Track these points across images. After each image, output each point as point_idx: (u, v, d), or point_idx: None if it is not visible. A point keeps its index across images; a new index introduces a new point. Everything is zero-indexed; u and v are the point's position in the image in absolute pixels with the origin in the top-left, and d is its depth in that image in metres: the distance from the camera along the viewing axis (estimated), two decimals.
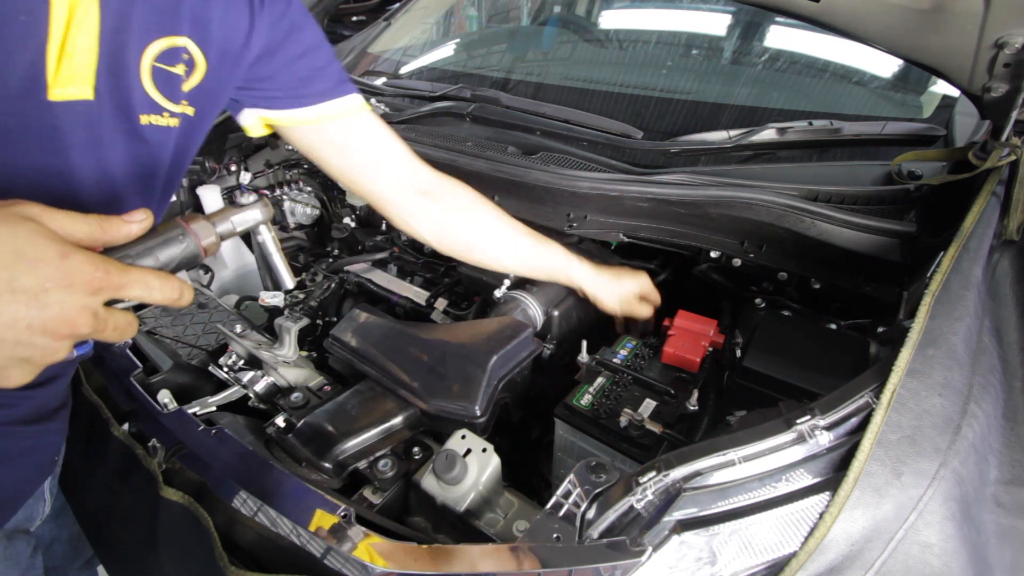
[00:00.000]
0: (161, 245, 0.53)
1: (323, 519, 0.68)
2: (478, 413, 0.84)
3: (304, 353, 1.08)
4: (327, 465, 0.80)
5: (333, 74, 0.80)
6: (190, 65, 0.67)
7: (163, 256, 0.52)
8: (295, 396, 0.93)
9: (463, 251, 0.99)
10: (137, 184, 0.68)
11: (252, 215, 0.63)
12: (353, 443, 0.82)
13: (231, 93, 0.76)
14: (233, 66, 0.72)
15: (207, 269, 1.49)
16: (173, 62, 0.64)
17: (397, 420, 0.85)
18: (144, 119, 0.65)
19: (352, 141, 0.85)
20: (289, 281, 0.72)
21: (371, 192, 0.91)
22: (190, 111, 0.70)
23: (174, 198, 1.45)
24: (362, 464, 0.82)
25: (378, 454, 0.83)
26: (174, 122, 0.68)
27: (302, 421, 0.84)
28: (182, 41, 0.64)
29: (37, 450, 0.77)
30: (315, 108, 0.80)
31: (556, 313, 1.04)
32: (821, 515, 0.54)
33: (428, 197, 0.93)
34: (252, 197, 0.64)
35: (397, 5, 1.99)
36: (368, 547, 0.63)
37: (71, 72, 0.57)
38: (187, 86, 0.68)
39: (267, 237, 0.67)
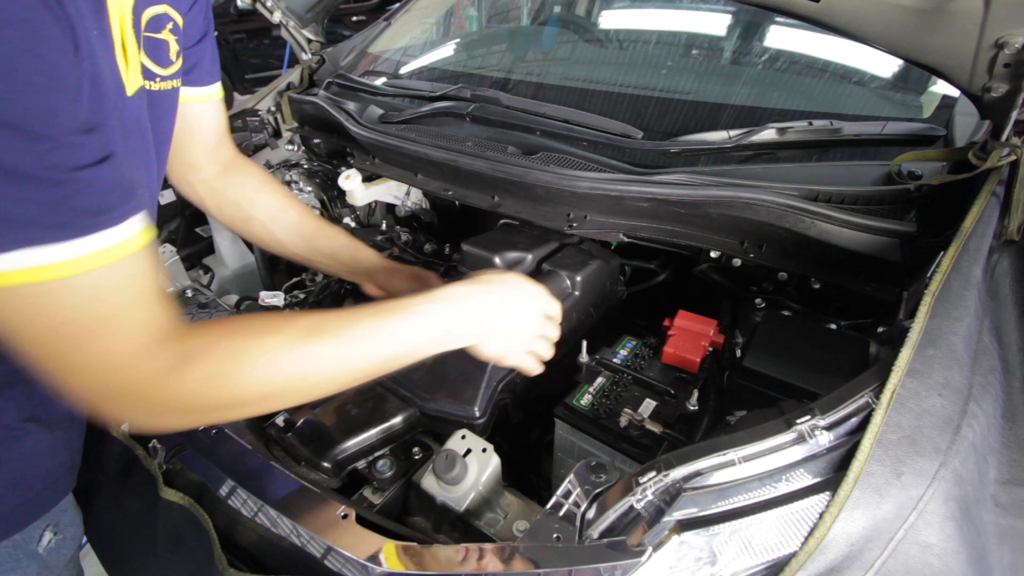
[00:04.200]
0: None
1: (323, 519, 0.68)
2: (477, 414, 0.84)
3: None
4: (326, 465, 0.80)
5: (217, 58, 0.92)
6: (175, 31, 0.73)
7: None
8: None
9: (242, 224, 1.05)
10: (162, 153, 0.77)
11: None
12: (352, 443, 0.82)
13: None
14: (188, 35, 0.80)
15: (207, 269, 1.49)
16: (159, 28, 0.70)
17: (397, 420, 0.85)
18: (152, 86, 0.70)
19: (204, 115, 0.94)
20: None
21: (179, 153, 0.96)
22: (179, 75, 0.77)
23: (174, 197, 1.45)
24: (361, 464, 0.82)
25: (377, 454, 0.83)
26: (171, 84, 0.75)
27: (302, 420, 0.84)
28: (163, 8, 0.70)
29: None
30: (212, 87, 0.91)
31: None
32: (821, 515, 0.54)
33: (223, 168, 1.01)
34: None
35: (397, 5, 1.99)
36: (368, 547, 0.63)
37: (133, 66, 0.63)
38: (173, 52, 0.73)
39: None
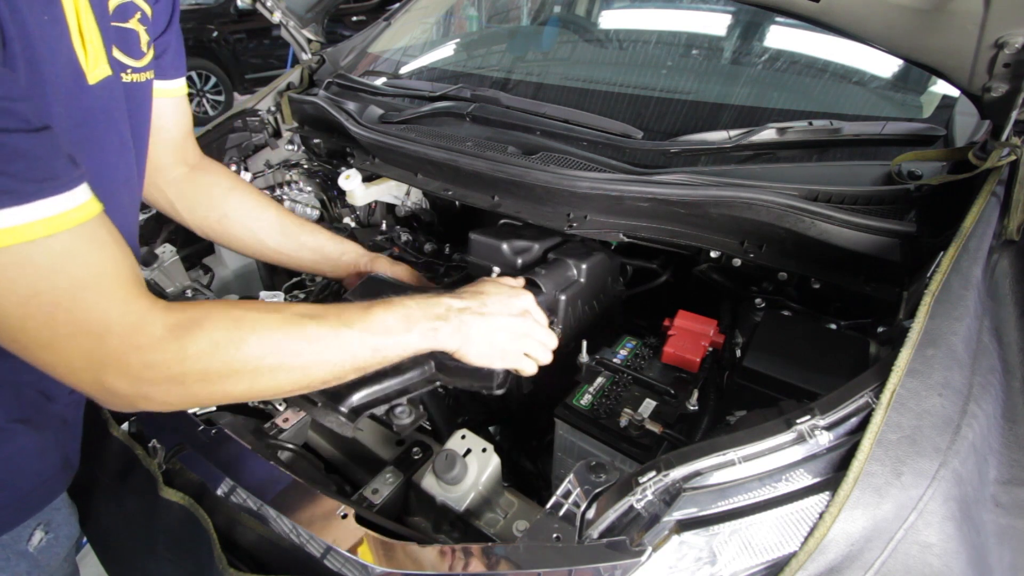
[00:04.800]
0: None
1: (323, 519, 0.68)
2: (494, 386, 0.82)
3: None
4: (343, 409, 0.77)
5: (183, 52, 0.89)
6: (144, 21, 0.72)
7: None
8: None
9: (216, 224, 1.00)
10: (140, 146, 0.76)
11: None
12: (370, 391, 0.80)
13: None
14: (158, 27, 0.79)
15: (207, 269, 1.49)
16: (126, 17, 0.68)
17: (414, 373, 0.83)
18: (126, 78, 0.69)
19: (167, 111, 0.90)
20: None
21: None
22: (152, 67, 0.76)
23: None
24: (379, 410, 0.79)
25: (395, 402, 0.80)
26: (145, 76, 0.73)
27: None
28: None
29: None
30: (176, 81, 0.89)
31: (563, 298, 1.04)
32: (821, 515, 0.54)
33: (190, 168, 0.98)
34: None
35: (397, 5, 1.99)
36: (368, 547, 0.63)
37: (94, 54, 0.61)
38: (143, 43, 0.72)
39: None
